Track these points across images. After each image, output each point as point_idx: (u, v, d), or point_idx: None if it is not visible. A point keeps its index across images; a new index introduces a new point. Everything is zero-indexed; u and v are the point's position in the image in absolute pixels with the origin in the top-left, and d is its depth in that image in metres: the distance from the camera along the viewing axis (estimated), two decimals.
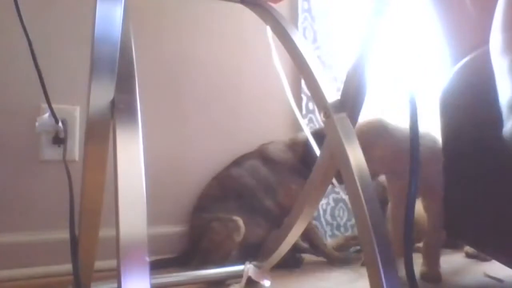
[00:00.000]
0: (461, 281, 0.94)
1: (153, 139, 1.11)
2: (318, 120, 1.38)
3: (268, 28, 0.83)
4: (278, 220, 1.08)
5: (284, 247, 0.92)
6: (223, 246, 1.01)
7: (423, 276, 0.90)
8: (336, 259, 1.11)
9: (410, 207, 0.59)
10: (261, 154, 1.18)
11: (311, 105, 1.40)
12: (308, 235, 1.13)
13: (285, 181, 1.13)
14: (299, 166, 1.15)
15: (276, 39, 0.81)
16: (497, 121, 0.74)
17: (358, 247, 1.22)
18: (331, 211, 1.37)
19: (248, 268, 0.88)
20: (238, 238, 1.02)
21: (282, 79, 0.91)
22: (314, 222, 1.26)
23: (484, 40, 0.81)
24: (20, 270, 0.96)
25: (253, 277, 0.86)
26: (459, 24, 0.91)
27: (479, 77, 0.80)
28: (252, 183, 1.13)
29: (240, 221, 1.03)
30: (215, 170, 1.18)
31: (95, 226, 0.60)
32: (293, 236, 0.89)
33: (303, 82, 1.38)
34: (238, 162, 1.18)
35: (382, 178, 1.04)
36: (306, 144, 1.14)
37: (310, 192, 0.81)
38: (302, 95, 1.39)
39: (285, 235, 0.89)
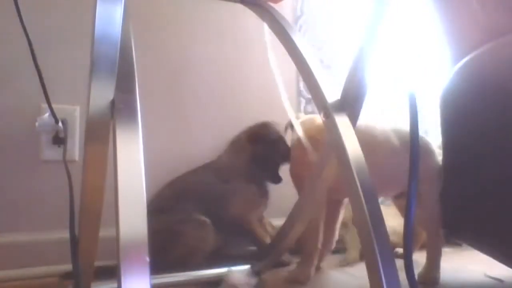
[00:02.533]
0: (461, 281, 0.94)
1: (153, 139, 1.11)
2: None
3: (265, 28, 0.83)
4: (231, 231, 1.05)
5: (284, 248, 0.92)
6: (198, 250, 0.97)
7: (420, 279, 0.90)
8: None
9: (410, 208, 0.59)
10: (213, 161, 1.14)
11: (309, 108, 1.40)
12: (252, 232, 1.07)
13: (234, 190, 1.08)
14: (249, 170, 1.11)
15: (273, 39, 0.80)
16: (498, 120, 0.74)
17: None
18: None
19: (230, 273, 0.84)
20: (212, 238, 0.99)
21: (276, 77, 0.91)
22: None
23: (485, 38, 0.82)
24: (20, 270, 0.96)
25: (235, 282, 0.80)
26: (460, 22, 0.91)
27: (480, 76, 0.80)
28: (201, 189, 1.07)
29: (208, 221, 0.99)
30: None
31: (95, 226, 0.60)
32: (293, 236, 0.89)
33: (301, 85, 1.38)
34: (194, 169, 1.13)
35: None
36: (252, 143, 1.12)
37: (310, 192, 0.82)
38: (301, 98, 1.39)
39: (285, 236, 0.90)
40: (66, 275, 0.90)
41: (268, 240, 1.07)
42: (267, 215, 1.24)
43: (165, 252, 0.93)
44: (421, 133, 0.97)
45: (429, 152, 0.97)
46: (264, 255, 0.98)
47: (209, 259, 1.04)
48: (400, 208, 1.11)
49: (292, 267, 0.98)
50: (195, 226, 0.98)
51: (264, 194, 1.12)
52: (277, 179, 1.13)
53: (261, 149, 1.12)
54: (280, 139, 1.13)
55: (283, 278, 0.94)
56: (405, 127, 0.98)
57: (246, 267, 0.94)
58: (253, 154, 1.11)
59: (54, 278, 0.92)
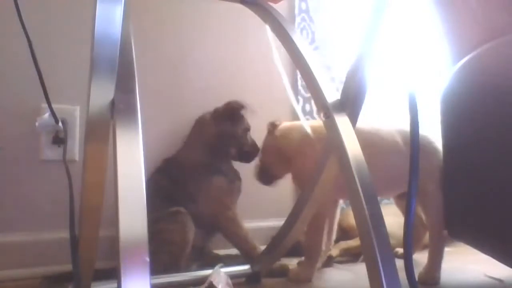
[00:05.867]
0: (461, 281, 0.94)
1: (153, 139, 1.11)
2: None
3: (268, 29, 0.83)
4: (208, 227, 1.03)
5: (283, 250, 0.91)
6: (183, 242, 0.93)
7: (420, 279, 0.90)
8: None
9: (410, 208, 0.59)
10: (173, 163, 1.08)
11: (307, 107, 1.40)
12: (237, 241, 1.03)
13: (199, 187, 1.03)
14: (211, 154, 1.07)
15: (276, 39, 0.80)
16: (498, 120, 0.74)
17: None
18: None
19: (215, 273, 0.80)
20: (192, 226, 0.95)
21: (283, 79, 0.90)
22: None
23: (485, 38, 0.82)
24: (20, 270, 0.96)
25: (216, 282, 0.75)
26: (460, 22, 0.91)
27: (479, 76, 0.80)
28: (172, 187, 1.02)
29: (182, 208, 0.95)
30: None
31: (95, 226, 0.60)
32: (292, 238, 0.89)
33: (299, 84, 1.39)
34: (160, 167, 1.08)
35: None
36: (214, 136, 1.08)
37: (310, 192, 0.82)
38: (299, 97, 1.39)
39: (284, 237, 0.89)
40: (48, 278, 0.90)
41: (249, 240, 1.02)
42: (265, 216, 1.24)
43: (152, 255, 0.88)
44: (422, 132, 0.97)
45: (433, 151, 0.96)
46: (256, 257, 0.97)
47: (206, 260, 1.04)
48: (402, 209, 1.11)
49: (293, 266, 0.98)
50: (172, 220, 0.94)
51: (233, 180, 1.08)
52: (246, 158, 1.11)
53: (226, 126, 1.10)
54: (243, 119, 1.12)
55: (284, 277, 0.94)
56: (407, 127, 0.99)
57: (246, 267, 0.94)
58: (218, 132, 1.09)
59: (54, 277, 0.92)
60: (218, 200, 1.04)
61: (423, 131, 0.98)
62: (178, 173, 1.04)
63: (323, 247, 0.97)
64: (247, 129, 1.13)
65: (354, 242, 1.16)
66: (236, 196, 1.09)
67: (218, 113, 1.10)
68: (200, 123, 1.13)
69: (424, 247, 1.07)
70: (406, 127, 0.98)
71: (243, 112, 1.11)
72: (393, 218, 1.09)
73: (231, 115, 1.10)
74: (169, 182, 1.03)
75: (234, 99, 1.11)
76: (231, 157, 1.11)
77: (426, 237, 1.07)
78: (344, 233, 1.21)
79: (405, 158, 0.93)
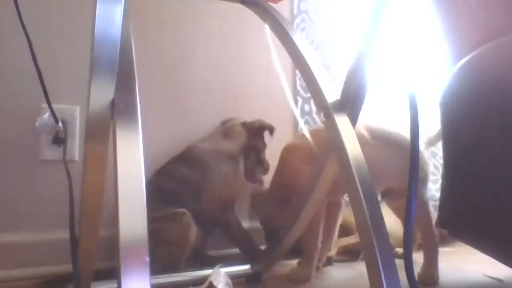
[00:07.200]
0: (461, 281, 0.94)
1: (153, 139, 1.11)
2: (315, 121, 1.38)
3: (267, 28, 0.83)
4: (210, 226, 1.03)
5: (282, 250, 0.92)
6: (184, 243, 0.92)
7: (419, 279, 0.90)
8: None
9: (410, 208, 0.59)
10: (183, 155, 1.08)
11: (307, 107, 1.40)
12: (239, 239, 1.04)
13: (208, 183, 1.03)
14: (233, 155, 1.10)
15: (275, 39, 0.81)
16: (498, 120, 0.74)
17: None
18: None
19: (214, 273, 0.80)
20: (194, 227, 0.94)
21: (281, 79, 0.90)
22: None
23: (485, 38, 0.82)
24: (20, 270, 0.96)
25: (215, 282, 0.74)
26: (460, 22, 0.91)
27: (479, 77, 0.80)
28: (173, 186, 1.00)
29: (186, 211, 0.94)
30: None
31: (95, 226, 0.60)
32: (291, 238, 0.89)
33: (298, 84, 1.38)
34: (160, 169, 1.06)
35: None
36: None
37: (309, 192, 0.82)
38: (298, 97, 1.39)
39: (284, 237, 0.89)
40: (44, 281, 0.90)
41: (250, 239, 1.03)
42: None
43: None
44: (396, 130, 0.97)
45: None
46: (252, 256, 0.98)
47: (203, 260, 1.03)
48: (392, 207, 1.10)
49: (292, 266, 0.98)
50: (174, 219, 0.92)
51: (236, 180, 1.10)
52: (252, 179, 1.14)
53: (255, 142, 1.14)
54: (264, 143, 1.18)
55: (284, 277, 0.94)
56: (375, 123, 0.99)
57: (246, 267, 0.94)
58: (246, 144, 1.13)
59: (54, 278, 0.92)
60: (224, 194, 1.04)
61: (399, 128, 0.98)
62: (185, 169, 1.04)
63: (319, 245, 0.97)
64: (265, 147, 1.18)
65: (352, 239, 1.16)
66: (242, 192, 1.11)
67: (250, 127, 1.16)
68: (230, 128, 1.16)
69: (419, 247, 1.07)
70: (372, 122, 0.99)
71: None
72: (393, 218, 1.09)
73: (261, 132, 1.16)
74: (172, 181, 1.02)
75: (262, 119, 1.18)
76: (247, 170, 1.14)
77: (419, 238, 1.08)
78: (345, 230, 1.21)
79: (376, 152, 0.93)
